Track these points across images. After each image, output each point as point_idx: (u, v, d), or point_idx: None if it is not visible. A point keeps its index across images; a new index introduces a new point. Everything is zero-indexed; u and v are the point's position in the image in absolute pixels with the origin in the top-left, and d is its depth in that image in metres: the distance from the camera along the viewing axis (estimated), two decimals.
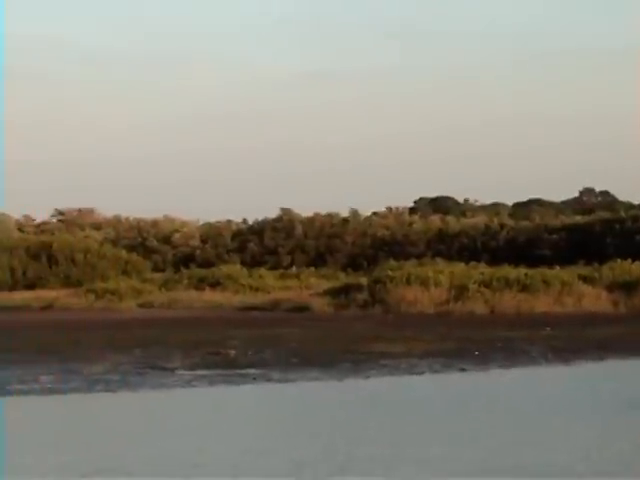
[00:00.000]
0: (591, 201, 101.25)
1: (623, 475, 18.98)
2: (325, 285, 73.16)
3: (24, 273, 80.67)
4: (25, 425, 28.10)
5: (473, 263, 73.77)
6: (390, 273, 69.02)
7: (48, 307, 72.11)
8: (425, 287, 66.32)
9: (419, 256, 77.97)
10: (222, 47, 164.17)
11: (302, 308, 66.99)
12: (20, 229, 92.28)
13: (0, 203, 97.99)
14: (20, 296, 75.64)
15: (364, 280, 69.90)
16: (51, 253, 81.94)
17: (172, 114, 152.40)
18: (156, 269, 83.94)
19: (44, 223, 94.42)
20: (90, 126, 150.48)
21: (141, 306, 71.97)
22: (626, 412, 28.03)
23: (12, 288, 78.56)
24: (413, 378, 36.30)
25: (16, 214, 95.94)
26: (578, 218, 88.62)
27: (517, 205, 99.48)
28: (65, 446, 24.17)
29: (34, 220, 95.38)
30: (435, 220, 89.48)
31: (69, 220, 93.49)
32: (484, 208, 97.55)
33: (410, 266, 71.21)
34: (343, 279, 74.35)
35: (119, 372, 37.61)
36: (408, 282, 66.92)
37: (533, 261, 73.83)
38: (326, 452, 22.26)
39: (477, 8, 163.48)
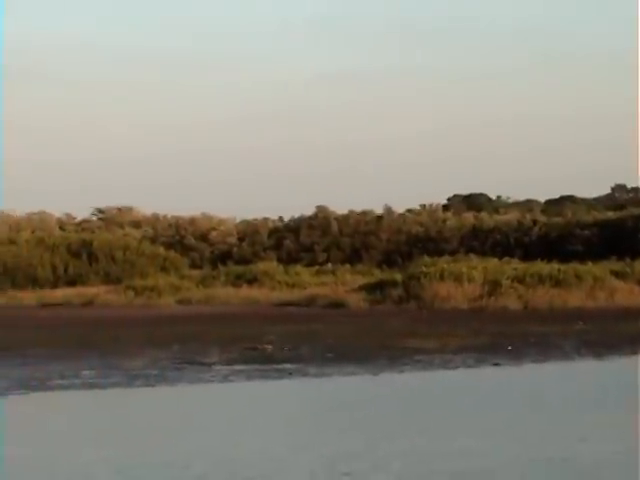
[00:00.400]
0: (623, 197, 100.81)
1: None
2: (360, 281, 73.08)
3: (65, 270, 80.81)
4: (66, 420, 28.15)
5: (506, 259, 73.55)
6: (424, 269, 68.85)
7: (88, 303, 72.19)
8: (459, 283, 66.13)
9: (452, 252, 77.78)
10: (244, 47, 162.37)
11: (338, 304, 66.91)
12: (61, 227, 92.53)
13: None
14: (61, 293, 75.80)
15: (399, 276, 69.76)
16: (91, 251, 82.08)
17: (204, 115, 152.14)
18: (194, 266, 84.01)
19: (84, 221, 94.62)
20: (125, 126, 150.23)
21: (179, 302, 71.98)
22: None
23: (54, 285, 78.75)
24: (447, 373, 36.20)
25: (57, 213, 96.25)
26: (610, 214, 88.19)
27: (549, 202, 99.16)
28: (105, 440, 24.24)
29: (75, 219, 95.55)
30: (468, 217, 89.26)
31: (109, 218, 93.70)
32: (517, 205, 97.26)
33: (444, 262, 71.02)
34: (378, 275, 74.19)
35: (158, 367, 37.65)
36: (442, 278, 66.78)
37: (565, 256, 73.51)
38: (361, 446, 22.24)
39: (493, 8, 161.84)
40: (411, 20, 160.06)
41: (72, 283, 79.15)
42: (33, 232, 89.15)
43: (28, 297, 74.87)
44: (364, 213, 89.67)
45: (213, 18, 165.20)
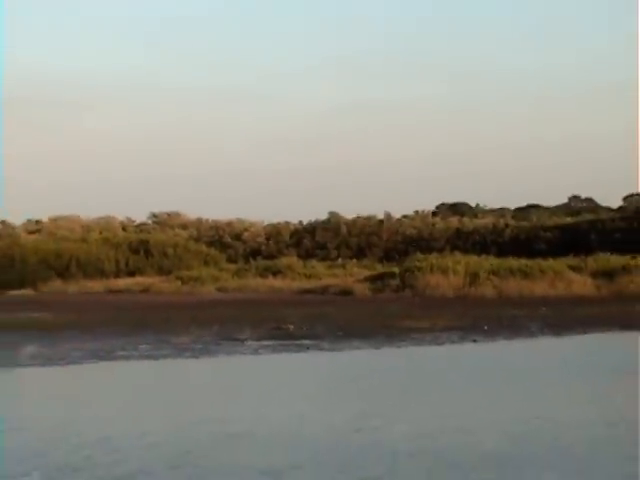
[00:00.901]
0: (578, 206, 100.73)
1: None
2: (365, 273, 73.26)
3: (126, 264, 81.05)
4: (127, 385, 28.31)
5: (484, 256, 73.62)
6: (417, 264, 69.03)
7: (145, 291, 72.47)
8: (445, 275, 66.24)
9: (440, 250, 77.80)
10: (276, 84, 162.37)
11: (346, 292, 67.00)
12: (124, 229, 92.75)
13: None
14: (123, 282, 76.10)
15: (396, 269, 69.83)
16: (148, 248, 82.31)
17: (240, 140, 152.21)
18: (230, 260, 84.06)
19: (142, 224, 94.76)
20: (178, 147, 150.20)
21: (218, 290, 72.17)
22: (606, 375, 28.55)
23: (117, 275, 79.01)
24: (436, 348, 36.33)
25: (120, 217, 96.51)
26: (568, 219, 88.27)
27: (518, 209, 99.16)
28: (159, 402, 24.46)
29: (134, 222, 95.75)
30: (453, 221, 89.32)
31: (161, 222, 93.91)
32: (492, 211, 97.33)
33: (433, 258, 71.07)
34: (379, 269, 74.26)
35: (201, 342, 37.78)
36: (431, 271, 66.91)
37: (532, 254, 73.62)
38: (367, 408, 22.41)
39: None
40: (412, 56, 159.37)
41: (132, 274, 79.44)
42: (101, 233, 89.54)
43: (97, 285, 75.16)
44: (368, 218, 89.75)
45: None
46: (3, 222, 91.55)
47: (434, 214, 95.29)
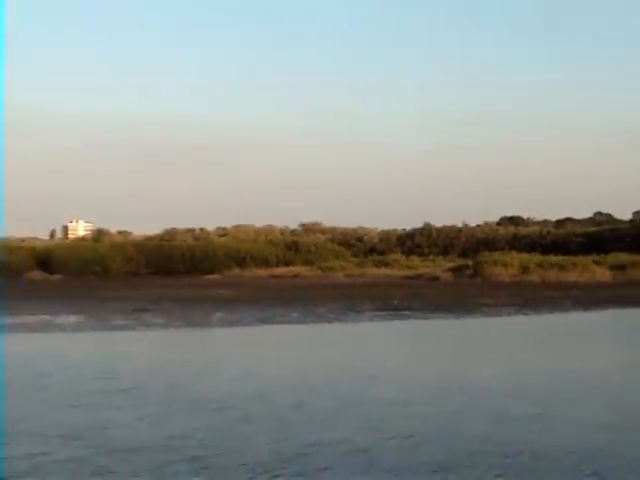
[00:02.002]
0: (600, 219, 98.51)
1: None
2: (448, 265, 72.59)
3: (283, 257, 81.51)
4: (284, 342, 28.39)
5: (532, 253, 72.50)
6: (485, 259, 68.32)
7: (295, 276, 72.74)
8: (504, 267, 65.49)
9: (501, 249, 76.62)
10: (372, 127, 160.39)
11: (435, 278, 66.47)
12: (281, 233, 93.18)
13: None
14: (281, 270, 76.51)
15: (470, 262, 69.24)
16: (298, 246, 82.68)
17: (363, 170, 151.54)
18: (354, 256, 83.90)
19: (294, 230, 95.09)
20: (312, 179, 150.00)
21: (346, 276, 72.12)
22: (623, 334, 28.31)
23: (276, 265, 79.48)
24: (498, 318, 35.81)
25: (279, 225, 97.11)
26: (592, 229, 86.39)
27: (557, 221, 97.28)
28: (306, 350, 24.50)
29: (289, 228, 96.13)
30: (511, 229, 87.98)
31: (307, 228, 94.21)
32: (538, 222, 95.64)
33: (496, 255, 70.18)
34: (459, 262, 73.56)
35: (334, 312, 37.77)
36: (495, 264, 66.20)
37: (566, 252, 72.33)
38: (450, 355, 22.22)
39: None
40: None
41: (287, 264, 79.78)
42: (266, 236, 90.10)
43: (263, 272, 75.71)
44: (451, 226, 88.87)
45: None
46: (201, 229, 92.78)
47: (497, 224, 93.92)
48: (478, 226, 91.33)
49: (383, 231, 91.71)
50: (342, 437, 12.21)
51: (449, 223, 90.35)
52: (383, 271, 73.55)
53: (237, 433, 12.66)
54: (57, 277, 75.17)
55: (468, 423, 13.27)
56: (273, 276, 73.47)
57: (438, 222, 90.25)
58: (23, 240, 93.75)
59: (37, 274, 76.46)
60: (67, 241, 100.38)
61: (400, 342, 27.75)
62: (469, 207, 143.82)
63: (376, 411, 14.32)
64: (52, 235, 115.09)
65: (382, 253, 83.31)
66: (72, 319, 34.74)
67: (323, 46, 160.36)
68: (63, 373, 19.05)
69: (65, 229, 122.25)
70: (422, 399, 15.61)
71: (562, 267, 64.83)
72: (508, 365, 20.39)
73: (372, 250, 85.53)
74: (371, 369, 19.65)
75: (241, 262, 79.05)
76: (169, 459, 10.96)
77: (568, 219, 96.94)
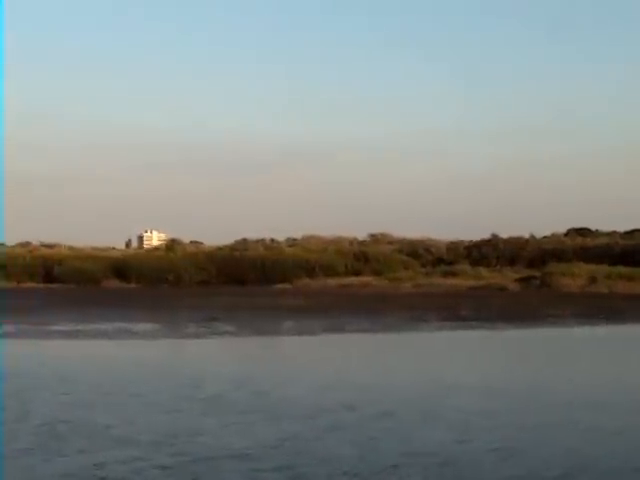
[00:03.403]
0: None
1: None
2: (515, 276, 71.94)
3: (352, 267, 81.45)
4: (357, 351, 28.34)
5: (601, 265, 71.30)
6: (552, 269, 67.64)
7: (364, 286, 72.71)
8: (572, 278, 64.69)
9: (569, 260, 75.57)
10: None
11: (502, 288, 65.98)
12: (350, 243, 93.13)
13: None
14: (349, 280, 76.53)
15: (538, 273, 68.55)
16: (367, 256, 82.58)
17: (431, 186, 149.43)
18: (422, 266, 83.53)
19: (363, 240, 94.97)
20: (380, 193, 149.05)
21: (413, 286, 71.89)
22: None
23: (345, 275, 79.44)
24: (565, 329, 35.35)
25: (349, 236, 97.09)
26: None
27: (625, 232, 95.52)
28: (380, 360, 24.45)
29: (357, 239, 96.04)
30: (578, 240, 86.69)
31: (376, 239, 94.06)
32: (606, 233, 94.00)
33: (564, 266, 69.49)
34: (526, 272, 72.79)
35: (402, 322, 37.69)
36: (563, 275, 65.43)
37: (634, 264, 70.89)
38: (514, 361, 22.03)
39: None
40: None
41: (356, 274, 79.76)
42: (335, 246, 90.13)
43: (332, 282, 75.84)
44: (518, 237, 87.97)
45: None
46: (272, 239, 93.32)
47: (565, 235, 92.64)
48: (545, 237, 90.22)
49: (451, 242, 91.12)
50: (430, 448, 12.05)
51: (516, 234, 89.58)
52: (450, 281, 73.10)
53: (325, 442, 12.55)
54: (132, 286, 76.39)
55: (555, 436, 12.99)
56: (342, 286, 73.52)
57: (505, 233, 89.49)
58: (100, 249, 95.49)
59: (113, 282, 77.83)
60: (142, 251, 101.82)
61: (471, 352, 27.48)
62: (536, 220, 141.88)
63: (461, 422, 14.14)
64: (128, 245, 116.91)
65: (450, 264, 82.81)
66: (147, 327, 35.24)
67: (398, 59, 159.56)
68: (149, 381, 19.24)
69: (140, 239, 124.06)
70: (505, 410, 15.38)
71: (631, 278, 63.75)
72: (586, 376, 20.11)
73: (440, 261, 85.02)
74: (448, 379, 19.50)
75: (310, 272, 79.27)
76: (258, 467, 10.92)
77: (637, 230, 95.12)
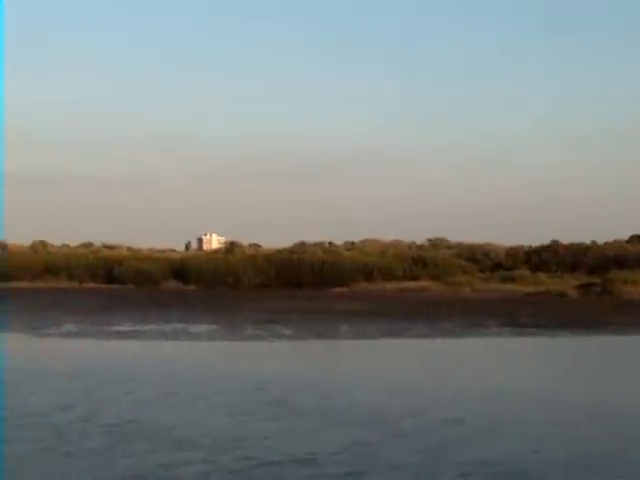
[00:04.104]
0: None
1: None
2: (576, 282, 70.91)
3: (410, 271, 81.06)
4: (416, 356, 28.27)
5: None
6: (614, 277, 66.65)
7: (422, 290, 72.30)
8: (634, 285, 63.71)
9: (631, 267, 74.26)
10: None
11: (562, 295, 65.07)
12: (409, 248, 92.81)
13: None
14: (407, 284, 76.10)
15: (598, 280, 67.61)
16: (425, 261, 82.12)
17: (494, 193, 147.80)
18: (480, 271, 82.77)
19: (421, 245, 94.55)
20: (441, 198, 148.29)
21: (472, 291, 71.26)
22: None
23: (403, 279, 79.06)
24: (626, 337, 34.85)
25: (407, 240, 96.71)
26: None
27: None
28: (440, 365, 24.31)
29: (416, 243, 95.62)
30: None
31: (434, 244, 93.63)
32: None
33: (626, 273, 68.31)
34: (586, 279, 71.81)
35: (460, 327, 37.46)
36: (625, 282, 64.50)
37: None
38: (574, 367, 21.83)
39: None
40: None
41: (414, 278, 79.40)
42: (393, 250, 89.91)
43: (390, 286, 75.47)
44: (579, 244, 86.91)
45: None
46: (330, 243, 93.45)
47: (627, 242, 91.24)
48: (607, 244, 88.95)
49: (510, 247, 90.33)
50: (499, 457, 11.91)
51: (577, 240, 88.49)
52: (509, 287, 72.30)
53: (390, 449, 12.44)
54: (191, 287, 77.07)
55: (624, 447, 12.74)
56: (400, 290, 73.15)
57: (565, 239, 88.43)
58: (159, 251, 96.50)
59: (173, 284, 78.58)
60: (201, 253, 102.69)
61: (533, 360, 27.16)
62: (598, 227, 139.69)
63: (526, 431, 13.97)
64: (187, 247, 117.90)
65: (509, 269, 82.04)
66: (205, 328, 35.56)
67: (462, 66, 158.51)
68: (212, 382, 19.27)
69: (200, 241, 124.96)
70: (572, 421, 15.13)
71: None
72: None
73: (499, 266, 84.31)
74: (511, 387, 19.30)
75: (368, 275, 79.09)
76: (323, 472, 10.91)
77: None
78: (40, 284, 77.52)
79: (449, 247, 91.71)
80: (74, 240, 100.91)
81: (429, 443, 12.90)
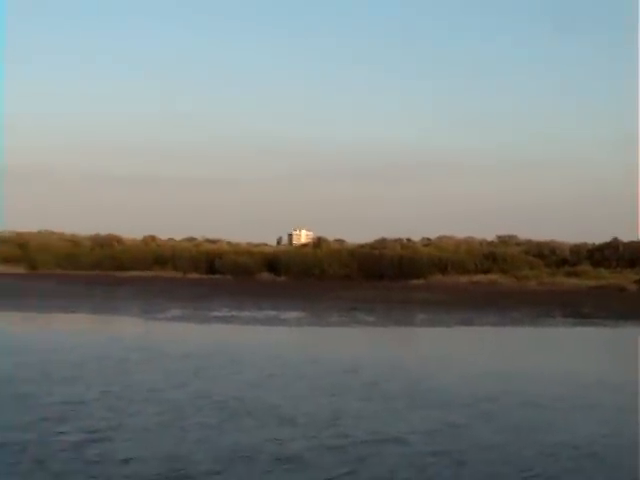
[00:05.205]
0: None
1: None
2: (635, 277, 69.27)
3: (481, 265, 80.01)
4: (491, 343, 27.74)
5: None
6: None
7: (492, 283, 71.46)
8: None
9: None
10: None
11: (622, 289, 63.55)
12: (480, 244, 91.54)
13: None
14: (479, 277, 75.34)
15: None
16: (495, 256, 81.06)
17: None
18: (546, 266, 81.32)
19: (492, 242, 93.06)
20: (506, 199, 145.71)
21: (538, 284, 70.13)
22: None
23: (474, 272, 78.19)
24: None
25: (479, 237, 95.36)
26: None
27: None
28: (516, 353, 23.83)
29: (486, 240, 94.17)
30: None
31: (504, 241, 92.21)
32: None
33: None
34: None
35: (528, 317, 36.85)
36: None
37: None
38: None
39: None
40: None
41: (485, 272, 78.46)
42: (466, 246, 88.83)
43: (463, 278, 74.76)
44: (638, 241, 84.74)
45: None
46: (408, 239, 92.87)
47: None
48: None
49: (574, 244, 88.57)
50: (580, 439, 11.56)
51: (637, 239, 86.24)
52: (573, 281, 70.96)
53: (477, 430, 12.19)
54: (282, 279, 77.59)
55: None
56: (472, 282, 72.33)
57: (626, 237, 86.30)
58: (255, 245, 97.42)
59: (266, 275, 79.25)
60: (292, 247, 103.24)
61: (598, 348, 26.57)
62: None
63: (607, 415, 13.53)
64: (279, 242, 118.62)
65: (573, 264, 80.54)
66: (294, 315, 35.76)
67: (514, 69, 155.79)
68: (307, 365, 19.20)
69: (290, 237, 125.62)
70: None
71: None
72: None
73: (563, 262, 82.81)
74: (583, 373, 18.90)
75: (443, 269, 78.51)
76: (418, 451, 10.74)
77: None
78: (150, 274, 79.02)
79: (518, 244, 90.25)
80: (179, 235, 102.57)
81: (511, 425, 12.63)
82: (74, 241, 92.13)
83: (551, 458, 10.61)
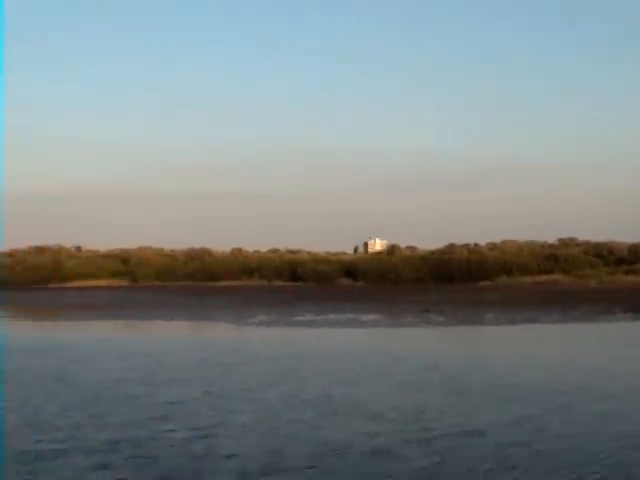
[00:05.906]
0: None
1: None
2: None
3: (544, 266, 78.45)
4: (557, 339, 26.77)
5: None
6: None
7: (554, 283, 70.12)
8: None
9: None
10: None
11: None
12: (542, 247, 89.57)
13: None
14: (541, 277, 74.14)
15: None
16: (556, 257, 79.39)
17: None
18: (605, 265, 79.37)
19: (552, 244, 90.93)
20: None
21: (597, 283, 68.41)
22: None
23: (537, 273, 76.76)
24: None
25: (539, 240, 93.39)
26: None
27: None
28: (587, 348, 23.00)
29: (548, 242, 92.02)
30: None
31: (564, 242, 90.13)
32: None
33: None
34: None
35: (590, 314, 35.76)
36: None
37: None
38: None
39: None
40: None
41: (547, 272, 76.96)
42: (529, 248, 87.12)
43: (526, 279, 73.73)
44: None
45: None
46: (475, 244, 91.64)
47: None
48: None
49: (632, 244, 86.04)
50: None
51: None
52: (632, 279, 69.04)
53: (556, 422, 11.78)
54: (359, 284, 77.49)
55: None
56: (535, 283, 71.11)
57: None
58: (333, 254, 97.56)
59: (344, 281, 79.43)
60: (367, 255, 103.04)
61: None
62: None
63: None
64: (355, 250, 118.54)
65: (631, 263, 78.30)
66: (371, 317, 35.58)
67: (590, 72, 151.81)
68: (390, 364, 18.87)
69: (365, 245, 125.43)
70: None
71: None
72: None
73: (622, 261, 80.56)
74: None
75: (508, 271, 77.47)
76: (500, 442, 10.46)
77: None
78: (238, 283, 79.90)
79: (577, 245, 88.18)
80: (264, 246, 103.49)
81: (586, 417, 12.25)
82: (171, 255, 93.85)
83: (626, 448, 10.24)
